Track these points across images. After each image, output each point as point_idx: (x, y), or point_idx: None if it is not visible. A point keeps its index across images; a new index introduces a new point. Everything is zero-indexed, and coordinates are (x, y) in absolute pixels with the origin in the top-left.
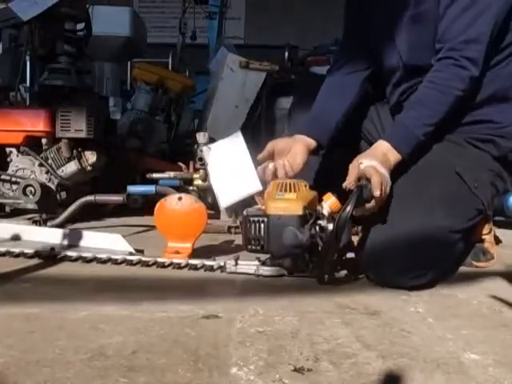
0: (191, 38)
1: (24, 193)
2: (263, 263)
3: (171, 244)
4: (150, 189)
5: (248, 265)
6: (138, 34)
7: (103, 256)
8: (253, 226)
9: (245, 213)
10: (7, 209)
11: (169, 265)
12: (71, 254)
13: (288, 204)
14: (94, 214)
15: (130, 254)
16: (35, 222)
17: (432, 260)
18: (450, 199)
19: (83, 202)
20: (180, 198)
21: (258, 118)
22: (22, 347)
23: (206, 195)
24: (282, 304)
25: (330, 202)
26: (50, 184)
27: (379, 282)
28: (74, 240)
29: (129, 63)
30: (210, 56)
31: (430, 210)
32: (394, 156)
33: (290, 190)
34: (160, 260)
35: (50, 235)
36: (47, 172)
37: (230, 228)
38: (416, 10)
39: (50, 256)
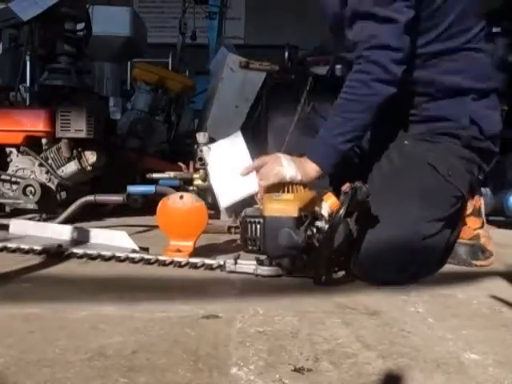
0: (191, 38)
1: (24, 193)
2: (262, 263)
3: (173, 242)
4: (149, 189)
5: (247, 264)
6: (138, 34)
7: (108, 253)
8: (249, 227)
9: (243, 213)
10: (7, 209)
11: (170, 263)
12: (77, 251)
13: (284, 205)
14: (93, 213)
15: (134, 251)
16: None
17: (415, 252)
18: (426, 190)
19: (83, 202)
20: (181, 197)
21: (258, 118)
22: (22, 347)
23: (206, 195)
24: (282, 304)
25: (330, 203)
26: (50, 184)
27: (364, 279)
28: (79, 237)
29: (129, 63)
30: (210, 56)
31: (407, 203)
32: (315, 170)
33: (288, 191)
34: (161, 258)
35: (57, 232)
36: (47, 172)
37: (230, 228)
38: (341, 11)
39: (57, 253)
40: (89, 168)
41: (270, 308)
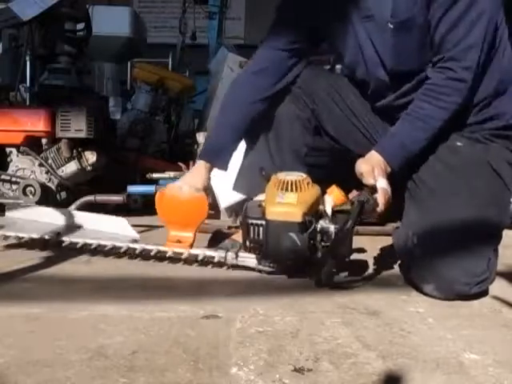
0: (191, 38)
1: (24, 193)
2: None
3: (173, 233)
4: (149, 189)
5: (249, 258)
6: (138, 34)
7: (108, 244)
8: (251, 229)
9: (244, 209)
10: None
11: (170, 254)
12: (76, 240)
13: (287, 209)
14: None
15: (134, 240)
16: None
17: (488, 258)
18: (497, 196)
19: (83, 202)
20: (181, 187)
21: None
22: (22, 347)
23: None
24: (282, 304)
25: (333, 196)
26: (50, 184)
27: (435, 290)
28: (78, 223)
29: (129, 63)
30: (210, 56)
31: (482, 206)
32: (376, 160)
33: (292, 190)
34: (162, 249)
35: (55, 217)
36: (47, 172)
37: (229, 228)
38: (403, 17)
39: (55, 242)
40: (89, 168)
41: (270, 308)
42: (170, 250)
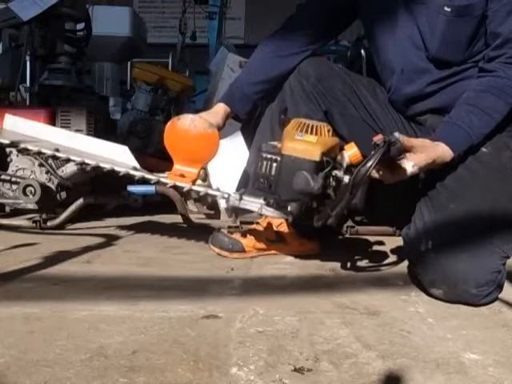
0: (191, 38)
1: (24, 193)
2: (268, 204)
3: (177, 166)
4: (149, 189)
5: (253, 202)
6: (138, 34)
7: (107, 166)
8: (264, 164)
9: (260, 147)
10: (7, 209)
11: (171, 187)
12: (75, 158)
13: (306, 147)
14: (93, 214)
15: (134, 168)
16: (35, 222)
17: (499, 270)
18: None
19: (83, 203)
20: (193, 120)
21: (258, 118)
22: (22, 347)
23: (206, 195)
24: (282, 304)
25: (351, 153)
26: (50, 184)
27: (443, 295)
28: (78, 145)
29: (129, 63)
30: (210, 56)
31: (502, 216)
32: (447, 154)
33: (312, 133)
34: (163, 180)
35: (54, 135)
36: (47, 172)
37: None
38: (463, 2)
39: (52, 157)
40: (89, 168)
41: (270, 308)
42: (171, 182)
